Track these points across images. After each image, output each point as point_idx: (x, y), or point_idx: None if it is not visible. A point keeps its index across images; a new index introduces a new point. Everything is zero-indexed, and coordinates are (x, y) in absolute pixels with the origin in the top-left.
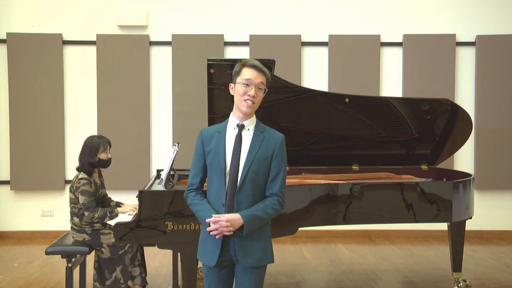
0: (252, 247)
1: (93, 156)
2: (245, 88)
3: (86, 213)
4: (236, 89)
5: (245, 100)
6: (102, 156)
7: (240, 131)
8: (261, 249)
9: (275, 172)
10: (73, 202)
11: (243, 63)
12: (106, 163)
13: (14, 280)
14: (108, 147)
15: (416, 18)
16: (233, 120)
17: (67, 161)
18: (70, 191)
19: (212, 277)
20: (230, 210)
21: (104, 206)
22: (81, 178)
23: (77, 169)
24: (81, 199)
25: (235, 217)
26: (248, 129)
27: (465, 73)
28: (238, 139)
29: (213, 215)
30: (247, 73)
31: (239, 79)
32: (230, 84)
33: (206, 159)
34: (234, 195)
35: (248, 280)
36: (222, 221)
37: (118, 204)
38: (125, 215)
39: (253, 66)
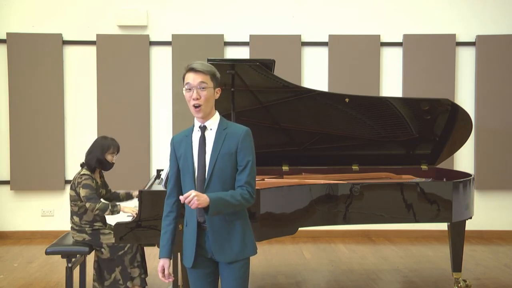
0: (228, 242)
1: (103, 154)
2: (188, 93)
3: (87, 204)
4: (185, 96)
5: (193, 106)
6: (109, 157)
7: (203, 132)
8: (238, 243)
9: (242, 166)
10: (74, 199)
11: (185, 69)
12: (108, 166)
13: (14, 280)
14: (116, 152)
15: (416, 18)
16: (196, 123)
17: (67, 161)
18: (71, 188)
19: (195, 277)
20: (200, 210)
21: (112, 200)
22: (84, 174)
23: (81, 164)
24: (83, 192)
25: (203, 195)
26: (211, 129)
27: (465, 73)
28: (202, 140)
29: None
30: (186, 78)
31: (183, 86)
32: None
33: (178, 164)
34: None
35: (232, 274)
36: (190, 195)
37: (129, 195)
38: (124, 215)
39: (190, 70)
